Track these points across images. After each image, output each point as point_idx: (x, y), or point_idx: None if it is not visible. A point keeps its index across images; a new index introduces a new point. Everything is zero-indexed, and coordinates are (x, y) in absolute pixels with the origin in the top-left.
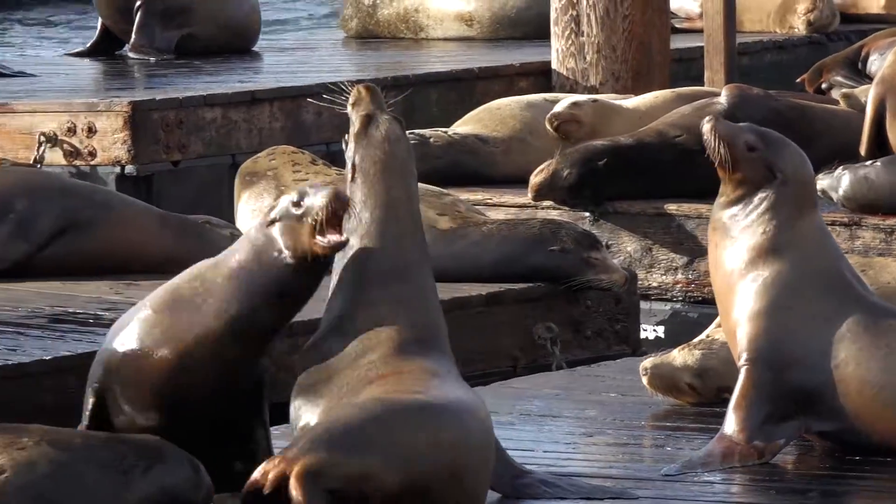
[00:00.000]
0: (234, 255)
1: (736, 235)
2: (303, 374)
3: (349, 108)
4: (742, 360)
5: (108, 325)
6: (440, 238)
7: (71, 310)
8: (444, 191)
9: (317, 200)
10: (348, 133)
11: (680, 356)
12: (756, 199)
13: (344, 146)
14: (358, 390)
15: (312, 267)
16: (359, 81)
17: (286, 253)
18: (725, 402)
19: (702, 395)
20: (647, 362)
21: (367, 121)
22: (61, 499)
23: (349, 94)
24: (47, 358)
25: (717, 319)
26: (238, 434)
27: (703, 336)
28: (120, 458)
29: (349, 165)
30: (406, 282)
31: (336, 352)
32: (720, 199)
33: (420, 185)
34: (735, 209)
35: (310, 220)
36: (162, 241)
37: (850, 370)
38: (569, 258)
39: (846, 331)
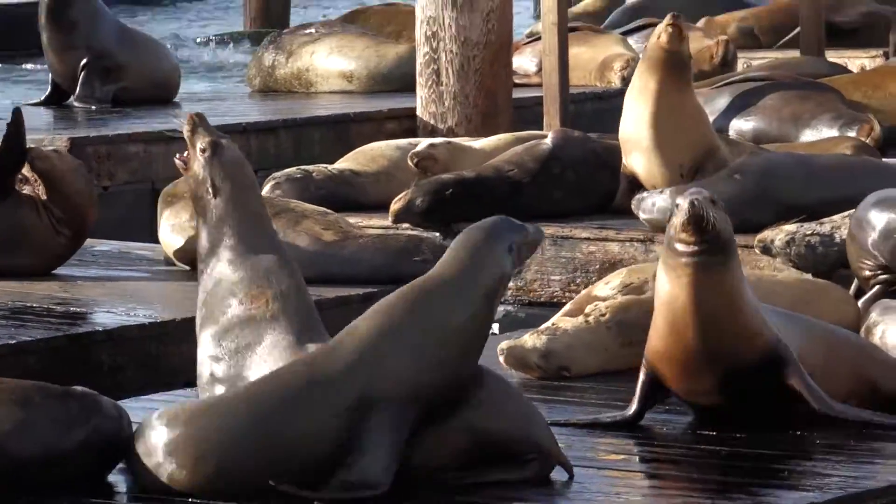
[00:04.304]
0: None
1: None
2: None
3: (186, 134)
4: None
5: (59, 317)
6: (325, 248)
7: (28, 304)
8: (328, 210)
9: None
10: (190, 155)
11: (530, 340)
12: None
13: (181, 166)
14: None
15: None
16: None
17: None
18: (564, 378)
19: (546, 371)
20: (504, 344)
21: (215, 146)
22: (18, 448)
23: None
24: (11, 342)
25: (562, 310)
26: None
27: (548, 323)
28: (67, 411)
29: (209, 187)
30: (290, 277)
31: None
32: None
33: (307, 205)
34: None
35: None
36: None
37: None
38: (429, 266)
39: None
